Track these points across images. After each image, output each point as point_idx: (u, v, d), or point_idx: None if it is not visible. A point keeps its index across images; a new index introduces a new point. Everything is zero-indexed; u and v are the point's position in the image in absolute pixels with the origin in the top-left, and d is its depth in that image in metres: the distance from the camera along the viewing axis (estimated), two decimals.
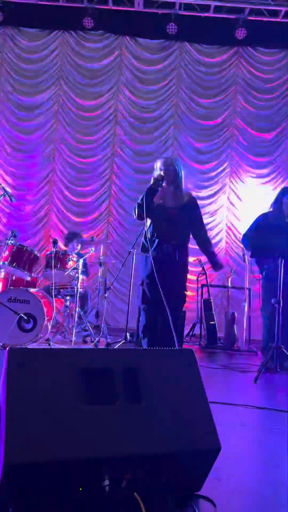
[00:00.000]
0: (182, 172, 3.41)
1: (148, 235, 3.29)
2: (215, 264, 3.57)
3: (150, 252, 3.18)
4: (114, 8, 6.85)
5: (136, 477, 1.19)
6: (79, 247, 5.61)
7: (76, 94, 7.29)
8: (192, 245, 7.23)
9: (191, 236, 3.54)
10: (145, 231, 3.31)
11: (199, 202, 7.31)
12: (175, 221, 3.30)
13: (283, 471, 1.63)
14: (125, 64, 7.32)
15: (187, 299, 6.87)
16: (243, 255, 5.71)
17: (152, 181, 3.18)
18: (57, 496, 1.15)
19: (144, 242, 3.34)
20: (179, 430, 1.28)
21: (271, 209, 4.19)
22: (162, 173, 3.24)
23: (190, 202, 3.43)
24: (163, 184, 3.22)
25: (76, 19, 6.92)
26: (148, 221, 3.33)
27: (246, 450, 1.90)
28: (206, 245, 3.53)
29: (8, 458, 1.08)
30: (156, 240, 3.29)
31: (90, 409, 1.22)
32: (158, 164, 3.37)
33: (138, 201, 3.21)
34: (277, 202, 4.12)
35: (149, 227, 3.33)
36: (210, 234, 7.20)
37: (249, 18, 6.79)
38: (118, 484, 1.17)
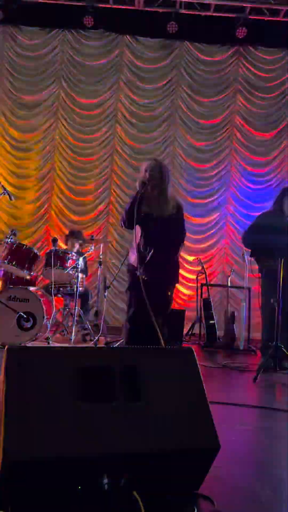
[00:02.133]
0: (168, 176, 3.21)
1: (141, 248, 3.12)
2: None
3: (145, 261, 3.04)
4: (114, 6, 6.84)
5: (135, 476, 1.19)
6: (77, 245, 5.60)
7: (76, 93, 7.28)
8: (193, 244, 7.23)
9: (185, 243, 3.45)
10: (138, 243, 3.12)
11: (198, 201, 7.35)
12: (163, 231, 3.09)
13: (281, 470, 1.63)
14: (125, 63, 7.31)
15: (186, 297, 6.91)
16: (243, 254, 5.71)
17: (138, 187, 3.04)
18: (56, 495, 1.15)
19: (138, 253, 3.12)
20: (178, 429, 1.28)
21: (271, 209, 4.19)
22: (147, 175, 3.07)
23: (177, 214, 3.18)
24: (148, 188, 3.04)
25: (76, 17, 6.90)
26: (138, 232, 3.14)
27: (245, 449, 1.91)
28: None
29: (7, 456, 1.08)
30: (150, 253, 3.10)
31: (89, 408, 1.22)
32: (143, 167, 3.18)
33: (126, 208, 3.05)
34: (278, 202, 4.12)
35: (141, 239, 3.14)
36: (210, 233, 7.21)
37: (250, 17, 6.78)
38: (117, 483, 1.17)
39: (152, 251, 3.08)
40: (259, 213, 4.25)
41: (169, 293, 3.24)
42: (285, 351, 3.53)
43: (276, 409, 2.51)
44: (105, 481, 1.16)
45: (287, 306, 3.71)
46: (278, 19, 6.80)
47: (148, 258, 3.07)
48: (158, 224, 3.07)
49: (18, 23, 7.19)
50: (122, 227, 3.25)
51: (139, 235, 3.14)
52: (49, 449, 1.13)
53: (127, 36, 7.26)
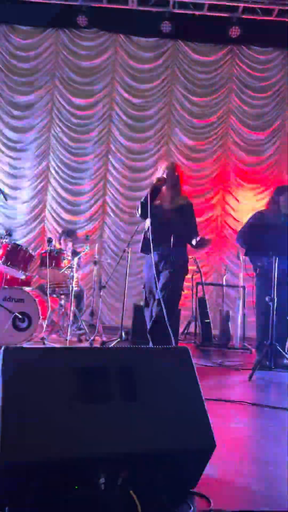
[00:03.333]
0: (182, 175, 3.56)
1: (148, 236, 3.35)
2: (202, 242, 3.47)
3: (151, 252, 3.24)
4: (108, 6, 6.82)
5: (131, 475, 1.20)
6: (70, 244, 5.58)
7: (70, 92, 7.26)
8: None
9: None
10: (146, 231, 3.40)
11: (193, 200, 7.34)
12: (171, 222, 3.37)
13: (277, 467, 1.65)
14: (119, 63, 7.30)
15: (182, 297, 6.92)
16: (238, 253, 5.73)
17: (155, 180, 3.37)
18: (53, 494, 1.15)
19: (143, 242, 3.44)
20: (174, 428, 1.29)
21: (266, 207, 4.21)
22: (164, 175, 3.40)
23: (187, 206, 3.51)
24: (164, 186, 3.39)
25: (70, 17, 6.88)
26: (148, 222, 3.39)
27: (241, 447, 1.92)
28: (192, 246, 3.51)
29: (4, 457, 1.09)
30: (156, 241, 3.32)
31: (86, 408, 1.23)
32: (162, 167, 3.52)
33: (142, 201, 3.35)
34: (273, 201, 4.13)
35: (149, 228, 3.38)
36: (205, 232, 7.22)
37: (243, 16, 6.79)
38: (113, 482, 1.17)
39: (158, 240, 3.29)
40: (254, 212, 4.27)
41: (174, 282, 3.37)
42: (280, 349, 3.55)
43: (272, 406, 2.53)
44: (102, 480, 1.16)
45: (282, 304, 3.73)
46: (271, 18, 6.82)
47: (154, 246, 3.28)
48: (167, 214, 3.38)
49: (12, 22, 7.16)
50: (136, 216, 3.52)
51: (148, 224, 3.38)
52: (45, 450, 1.13)
53: (121, 35, 7.25)
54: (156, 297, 3.31)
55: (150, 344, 3.35)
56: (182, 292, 3.56)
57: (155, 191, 3.35)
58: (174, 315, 3.34)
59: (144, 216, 3.35)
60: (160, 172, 3.48)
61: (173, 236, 3.33)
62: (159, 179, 3.36)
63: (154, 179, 3.42)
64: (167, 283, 3.31)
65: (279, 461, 1.72)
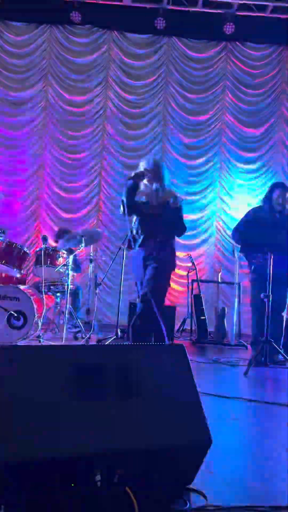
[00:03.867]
0: (167, 173, 3.47)
1: (134, 232, 3.36)
2: None
3: (136, 248, 3.29)
4: (102, 2, 6.79)
5: (128, 472, 1.20)
6: (70, 243, 5.58)
7: (64, 89, 7.23)
8: (183, 240, 7.27)
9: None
10: (131, 228, 3.39)
11: (189, 197, 7.35)
12: (157, 219, 3.32)
13: (272, 463, 1.66)
14: (114, 59, 7.28)
15: (177, 294, 6.93)
16: (233, 250, 5.74)
17: (132, 174, 3.32)
18: (49, 492, 1.15)
19: (130, 238, 3.43)
20: (171, 425, 1.29)
21: (261, 204, 4.22)
22: (143, 169, 3.34)
23: (174, 203, 3.38)
24: (145, 180, 3.31)
25: (63, 13, 6.85)
26: (134, 218, 3.40)
27: (237, 443, 1.93)
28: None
29: None
30: (141, 237, 3.33)
31: (82, 406, 1.22)
32: (142, 163, 3.45)
33: (122, 198, 3.33)
34: (268, 198, 4.14)
35: (134, 223, 3.40)
36: (200, 229, 7.23)
37: (237, 13, 6.79)
38: (110, 479, 1.17)
39: (143, 236, 3.30)
40: (249, 209, 4.28)
41: (158, 278, 3.29)
42: (275, 345, 3.57)
43: (267, 402, 2.54)
44: (98, 478, 1.16)
45: (276, 301, 3.75)
46: (265, 15, 6.82)
47: (140, 242, 3.30)
48: (153, 209, 3.32)
49: (5, 19, 7.12)
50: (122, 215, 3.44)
51: (133, 220, 3.39)
52: (42, 448, 1.13)
53: (115, 32, 7.23)
54: (140, 293, 3.31)
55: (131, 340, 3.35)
56: (168, 287, 3.49)
57: (131, 186, 3.28)
58: (160, 311, 3.29)
59: (126, 213, 3.30)
60: (140, 168, 3.40)
61: (159, 231, 3.30)
62: (136, 174, 3.30)
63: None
64: (150, 279, 3.26)
65: (275, 456, 1.73)
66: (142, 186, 3.34)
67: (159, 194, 3.36)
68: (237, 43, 7.26)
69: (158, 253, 3.29)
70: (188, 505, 1.23)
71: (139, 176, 3.30)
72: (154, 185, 3.35)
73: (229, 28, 6.82)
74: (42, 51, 7.24)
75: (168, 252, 3.38)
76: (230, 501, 1.26)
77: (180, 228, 3.39)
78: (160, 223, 3.30)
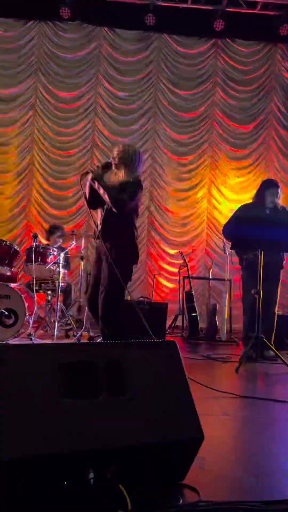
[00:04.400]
0: (135, 161, 3.16)
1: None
2: None
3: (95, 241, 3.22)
4: None
5: (120, 469, 1.20)
6: (59, 240, 5.57)
7: (54, 86, 7.18)
8: (174, 237, 7.24)
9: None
10: (95, 221, 3.25)
11: (179, 194, 7.36)
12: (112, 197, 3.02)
13: (264, 458, 1.67)
14: (104, 55, 7.24)
15: (168, 290, 6.93)
16: (223, 246, 5.76)
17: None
18: (43, 490, 1.15)
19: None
20: (163, 421, 1.29)
21: (252, 201, 4.24)
22: (111, 158, 3.15)
23: (132, 184, 3.04)
24: (107, 170, 3.11)
25: (53, 8, 6.79)
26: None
27: (229, 439, 1.94)
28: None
29: None
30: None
31: (74, 403, 1.22)
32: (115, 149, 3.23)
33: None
34: (259, 195, 4.16)
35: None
36: (191, 226, 7.25)
37: (227, 9, 6.78)
38: (103, 477, 1.17)
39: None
40: (240, 206, 4.29)
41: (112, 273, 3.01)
42: (266, 341, 3.59)
43: (258, 398, 2.55)
44: (91, 475, 1.16)
45: (267, 297, 3.76)
46: (255, 11, 6.83)
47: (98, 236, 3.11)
48: (107, 191, 3.00)
49: None
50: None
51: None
52: (34, 446, 1.12)
53: (105, 28, 7.19)
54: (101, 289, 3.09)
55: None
56: (128, 281, 3.19)
57: (95, 178, 3.02)
58: (117, 307, 3.07)
59: (90, 206, 3.16)
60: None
61: (109, 221, 3.08)
62: (97, 167, 3.08)
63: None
64: (105, 276, 3.06)
65: (267, 451, 1.74)
66: (107, 176, 3.10)
67: (115, 175, 3.12)
68: (227, 39, 7.27)
69: (110, 246, 3.06)
70: (180, 501, 1.23)
71: (103, 167, 3.08)
72: (118, 173, 3.11)
73: (219, 25, 6.82)
74: (31, 47, 7.17)
75: (120, 243, 3.09)
76: (222, 496, 1.27)
77: (116, 204, 3.00)
78: (111, 211, 3.05)
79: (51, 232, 5.64)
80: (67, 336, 4.94)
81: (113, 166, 3.12)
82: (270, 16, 6.83)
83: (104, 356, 1.34)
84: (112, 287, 3.02)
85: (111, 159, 3.15)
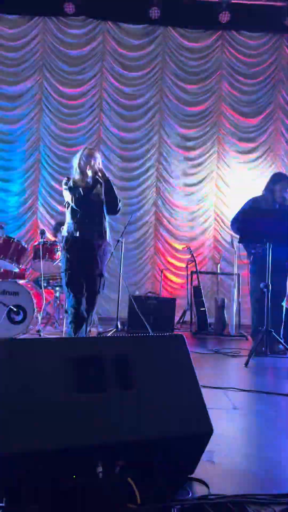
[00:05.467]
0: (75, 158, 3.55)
1: None
2: None
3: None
4: None
5: (129, 463, 1.20)
6: None
7: (59, 82, 7.16)
8: (182, 232, 7.22)
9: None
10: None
11: (187, 188, 7.32)
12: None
13: (274, 451, 1.66)
14: (108, 51, 7.20)
15: (176, 286, 6.92)
16: (231, 241, 5.73)
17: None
18: (52, 484, 1.15)
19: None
20: (171, 415, 1.29)
21: (260, 194, 4.20)
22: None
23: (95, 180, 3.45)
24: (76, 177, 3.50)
25: (57, 4, 6.76)
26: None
27: (238, 432, 1.93)
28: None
29: (0, 447, 1.08)
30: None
31: (82, 397, 1.22)
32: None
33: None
34: (268, 189, 4.13)
35: None
36: (199, 220, 7.21)
37: (232, 1, 6.70)
38: (111, 470, 1.17)
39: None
40: (248, 199, 4.26)
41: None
42: (275, 335, 3.57)
43: (268, 392, 2.54)
44: (100, 469, 1.16)
45: (275, 291, 3.74)
46: (261, 2, 6.74)
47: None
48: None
49: None
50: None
51: None
52: (42, 440, 1.13)
53: (109, 22, 7.14)
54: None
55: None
56: (101, 277, 3.58)
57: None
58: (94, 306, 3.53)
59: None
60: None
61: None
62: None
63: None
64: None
65: (276, 444, 1.73)
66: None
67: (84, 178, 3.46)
68: (233, 31, 7.18)
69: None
70: (190, 495, 1.23)
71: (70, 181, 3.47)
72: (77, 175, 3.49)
73: (224, 17, 6.74)
74: (36, 43, 7.15)
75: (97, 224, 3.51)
76: (232, 490, 1.26)
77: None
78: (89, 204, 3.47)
79: (56, 228, 5.66)
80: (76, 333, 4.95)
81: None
82: (277, 6, 6.74)
83: (112, 350, 1.34)
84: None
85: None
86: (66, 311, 3.59)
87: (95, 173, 3.38)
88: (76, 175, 3.49)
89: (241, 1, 6.73)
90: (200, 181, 7.22)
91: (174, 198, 7.21)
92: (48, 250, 4.66)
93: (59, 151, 7.14)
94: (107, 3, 6.82)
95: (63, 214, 6.97)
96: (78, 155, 3.53)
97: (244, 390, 2.56)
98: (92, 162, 3.41)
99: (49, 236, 5.92)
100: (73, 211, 3.43)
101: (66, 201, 3.51)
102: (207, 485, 1.28)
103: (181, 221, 7.17)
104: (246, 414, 2.22)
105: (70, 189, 3.41)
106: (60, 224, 5.71)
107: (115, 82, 7.18)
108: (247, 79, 7.23)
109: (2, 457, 1.08)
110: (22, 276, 4.82)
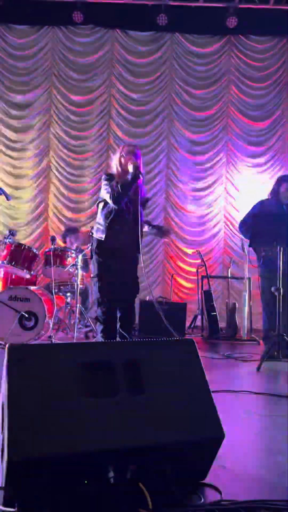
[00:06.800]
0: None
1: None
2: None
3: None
4: (103, 1, 6.79)
5: (140, 468, 1.20)
6: (76, 242, 5.59)
7: (68, 90, 7.24)
8: (192, 236, 7.22)
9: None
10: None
11: (196, 193, 7.32)
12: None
13: (286, 456, 1.64)
14: (117, 58, 7.26)
15: (187, 290, 6.90)
16: (242, 245, 5.71)
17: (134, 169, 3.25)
18: (63, 489, 1.16)
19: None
20: (182, 420, 1.29)
21: (268, 197, 4.19)
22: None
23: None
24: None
25: (65, 13, 6.85)
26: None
27: (250, 437, 1.91)
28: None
29: (12, 454, 1.09)
30: None
31: (92, 403, 1.22)
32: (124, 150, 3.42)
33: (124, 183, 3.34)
34: (274, 192, 4.12)
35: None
36: (209, 225, 7.20)
37: (240, 6, 6.73)
38: (123, 476, 1.17)
39: None
40: (256, 202, 4.25)
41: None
42: (287, 339, 3.54)
43: (281, 396, 2.52)
44: (111, 474, 1.16)
45: (286, 294, 3.71)
46: (268, 6, 6.75)
47: None
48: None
49: (7, 22, 7.14)
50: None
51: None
52: (54, 446, 1.13)
53: (117, 30, 7.21)
54: None
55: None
56: (97, 280, 3.40)
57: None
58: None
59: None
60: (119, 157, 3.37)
61: None
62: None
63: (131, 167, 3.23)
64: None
65: None
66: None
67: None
68: (240, 36, 7.20)
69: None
70: (202, 500, 1.22)
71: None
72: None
73: (232, 22, 6.77)
74: (45, 52, 7.25)
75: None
76: (244, 495, 1.25)
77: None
78: None
79: (65, 235, 5.70)
80: (87, 338, 4.97)
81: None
82: (284, 10, 6.74)
83: (122, 355, 1.35)
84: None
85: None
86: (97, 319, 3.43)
87: (136, 168, 3.26)
88: (115, 171, 3.41)
89: (248, 6, 6.75)
90: (210, 186, 7.21)
91: (184, 203, 7.21)
92: (58, 256, 4.69)
93: (69, 158, 7.21)
94: (115, 11, 6.89)
95: (73, 220, 7.07)
96: (117, 152, 3.47)
97: (255, 393, 2.54)
98: (134, 159, 3.31)
99: (60, 242, 5.95)
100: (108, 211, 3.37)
101: (102, 198, 3.41)
102: (219, 491, 1.27)
103: (190, 226, 7.17)
104: (259, 418, 2.20)
105: (110, 186, 3.30)
106: (70, 230, 5.75)
107: (124, 89, 7.23)
108: (255, 83, 7.23)
109: (13, 462, 1.09)
110: (33, 283, 4.86)
